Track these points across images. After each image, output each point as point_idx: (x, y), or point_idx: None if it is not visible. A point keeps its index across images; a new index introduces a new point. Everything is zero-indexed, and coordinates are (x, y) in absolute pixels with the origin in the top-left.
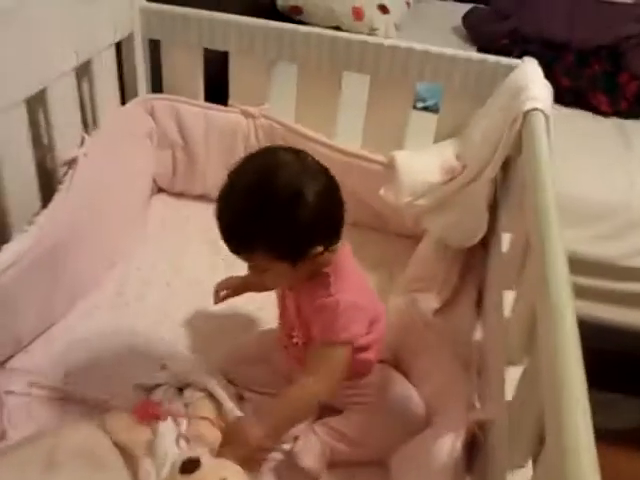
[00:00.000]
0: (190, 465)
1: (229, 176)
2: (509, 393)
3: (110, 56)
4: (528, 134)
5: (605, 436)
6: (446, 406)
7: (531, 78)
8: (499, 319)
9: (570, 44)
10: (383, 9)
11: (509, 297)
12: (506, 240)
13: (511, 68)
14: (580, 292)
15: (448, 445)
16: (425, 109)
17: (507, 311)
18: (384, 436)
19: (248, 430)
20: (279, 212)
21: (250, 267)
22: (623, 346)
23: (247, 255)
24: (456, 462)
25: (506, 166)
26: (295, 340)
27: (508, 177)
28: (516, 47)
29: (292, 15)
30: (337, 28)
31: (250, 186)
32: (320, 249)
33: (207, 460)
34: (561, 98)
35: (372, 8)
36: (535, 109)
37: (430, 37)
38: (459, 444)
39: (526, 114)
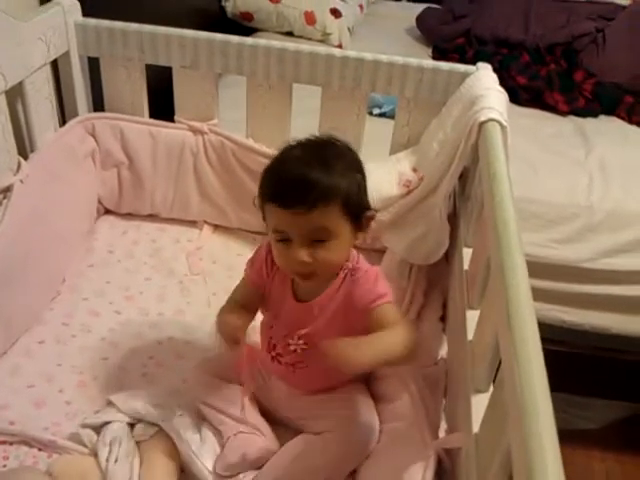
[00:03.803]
0: None
1: (296, 145)
2: (476, 423)
3: (45, 76)
4: (484, 146)
5: (577, 437)
6: (413, 432)
7: (486, 86)
8: (463, 341)
9: (525, 43)
10: (335, 13)
11: (472, 318)
12: (467, 256)
13: (465, 75)
14: (544, 296)
15: (419, 476)
16: (382, 115)
17: (470, 334)
18: (334, 462)
19: (352, 353)
20: (357, 167)
21: (307, 239)
22: (589, 348)
23: (322, 209)
24: None
25: (464, 177)
26: (293, 347)
27: (466, 188)
28: (471, 47)
29: (243, 22)
30: (289, 34)
31: (331, 145)
32: (372, 213)
33: None
34: (518, 97)
35: (324, 12)
36: (491, 120)
37: (384, 40)
38: (429, 475)
39: (482, 125)
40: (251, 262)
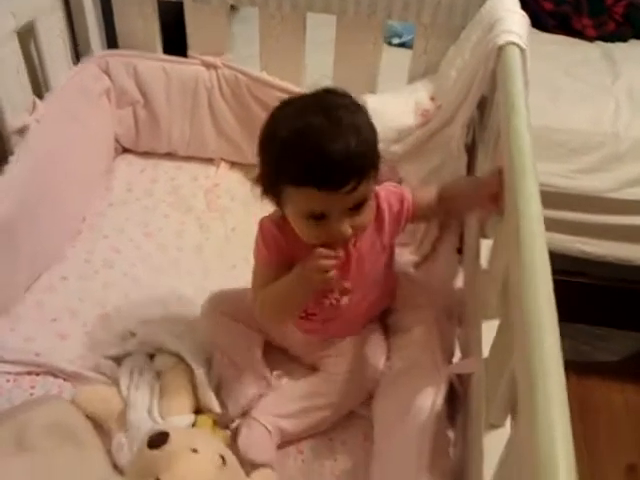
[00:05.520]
0: (158, 439)
1: (307, 110)
2: (486, 348)
3: (57, 14)
4: (502, 71)
5: (597, 368)
6: (426, 359)
7: (506, 8)
8: (477, 269)
9: None
10: None
11: (486, 246)
12: None
13: None
14: (567, 227)
15: (430, 401)
16: (402, 45)
17: (484, 262)
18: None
19: None
20: (367, 116)
21: (345, 213)
22: (611, 280)
23: (364, 182)
24: (438, 418)
25: (483, 106)
26: (328, 302)
27: (484, 117)
28: None
29: None
30: None
31: (341, 102)
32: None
33: (177, 433)
34: (544, 23)
35: None
36: (510, 43)
37: None
38: (440, 399)
39: (500, 49)
40: (264, 246)
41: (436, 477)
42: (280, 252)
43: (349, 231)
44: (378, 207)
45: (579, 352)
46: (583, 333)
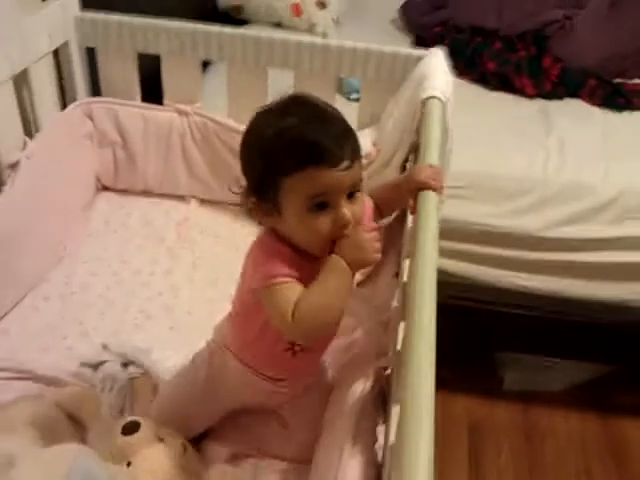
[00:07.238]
0: (130, 427)
1: (288, 110)
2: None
3: (47, 64)
4: (424, 121)
5: (543, 397)
6: (360, 359)
7: (434, 68)
8: (400, 284)
9: (498, 31)
10: (321, 5)
11: (407, 264)
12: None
13: (420, 59)
14: (506, 263)
15: (357, 392)
16: (358, 100)
17: (405, 277)
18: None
19: None
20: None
21: (345, 198)
22: (556, 312)
23: (359, 159)
24: (363, 407)
25: (417, 150)
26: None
27: (418, 161)
28: (448, 35)
29: (234, 14)
30: (278, 24)
31: (328, 108)
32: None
33: (147, 423)
34: (488, 82)
35: (310, 4)
36: (432, 97)
37: (369, 29)
38: (368, 385)
39: (424, 102)
40: (275, 260)
41: (358, 450)
42: (296, 268)
43: (350, 216)
44: None
45: (526, 382)
46: (530, 364)
